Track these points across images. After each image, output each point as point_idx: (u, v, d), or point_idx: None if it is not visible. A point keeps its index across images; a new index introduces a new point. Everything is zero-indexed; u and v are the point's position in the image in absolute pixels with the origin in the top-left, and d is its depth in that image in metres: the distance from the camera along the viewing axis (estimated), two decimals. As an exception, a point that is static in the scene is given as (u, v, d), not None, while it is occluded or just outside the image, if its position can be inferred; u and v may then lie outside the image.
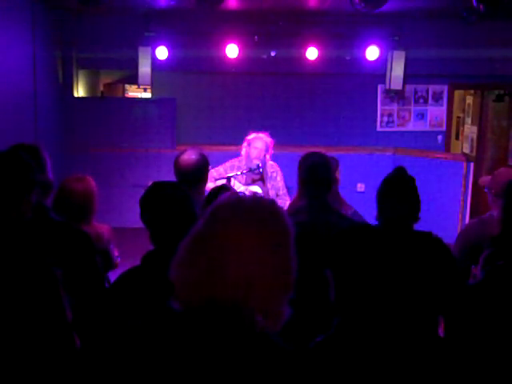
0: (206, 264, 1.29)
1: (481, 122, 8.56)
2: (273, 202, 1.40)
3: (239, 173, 4.61)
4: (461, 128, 9.36)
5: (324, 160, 3.09)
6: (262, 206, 1.36)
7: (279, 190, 4.77)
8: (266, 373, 1.26)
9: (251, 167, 4.64)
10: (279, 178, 4.80)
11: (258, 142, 4.68)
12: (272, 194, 4.75)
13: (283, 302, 1.33)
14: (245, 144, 4.76)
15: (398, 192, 2.49)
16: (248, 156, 4.70)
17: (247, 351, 1.26)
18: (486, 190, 3.39)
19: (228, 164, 4.83)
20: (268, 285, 1.29)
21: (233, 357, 1.25)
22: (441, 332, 2.58)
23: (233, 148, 5.27)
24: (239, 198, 1.37)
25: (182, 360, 1.27)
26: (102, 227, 3.43)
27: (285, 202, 4.50)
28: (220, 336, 1.26)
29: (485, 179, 3.55)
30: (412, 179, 2.53)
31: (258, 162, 4.63)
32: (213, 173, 4.62)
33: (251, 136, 4.76)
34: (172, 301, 1.33)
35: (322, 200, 3.03)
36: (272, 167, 4.81)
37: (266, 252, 1.30)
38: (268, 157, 4.77)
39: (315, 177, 3.02)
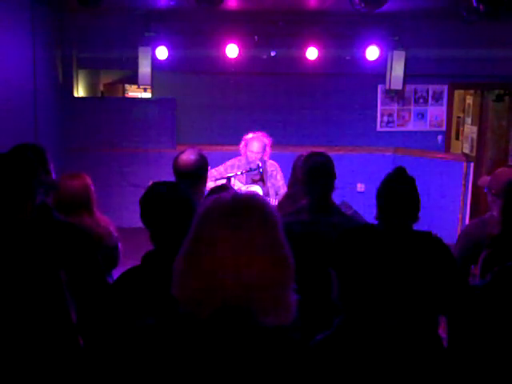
0: (202, 272, 1.28)
1: (481, 121, 8.56)
2: (255, 196, 1.38)
3: (239, 172, 4.61)
4: (461, 128, 9.36)
5: (326, 160, 3.11)
6: (246, 202, 1.34)
7: (279, 188, 4.77)
8: (285, 369, 1.25)
9: (251, 167, 4.64)
10: (279, 176, 4.80)
11: (255, 143, 4.68)
12: (272, 192, 4.75)
13: (288, 292, 1.32)
14: (242, 143, 4.76)
15: (398, 192, 2.49)
16: (246, 156, 4.70)
17: (266, 351, 1.24)
18: (485, 190, 3.39)
19: (229, 163, 4.83)
20: (270, 280, 1.28)
21: (253, 361, 1.23)
22: (442, 332, 2.58)
23: (233, 148, 5.27)
24: (224, 200, 1.35)
25: (199, 368, 1.25)
26: (108, 223, 3.44)
27: None
28: (235, 341, 1.25)
29: (484, 179, 3.55)
30: (412, 179, 2.53)
31: (258, 162, 4.64)
32: (213, 172, 4.62)
33: (249, 136, 4.76)
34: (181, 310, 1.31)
35: (324, 199, 3.04)
36: (272, 166, 4.80)
37: (259, 248, 1.29)
38: (266, 157, 4.77)
39: (317, 177, 3.03)
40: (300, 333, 1.35)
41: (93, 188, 3.38)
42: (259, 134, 4.75)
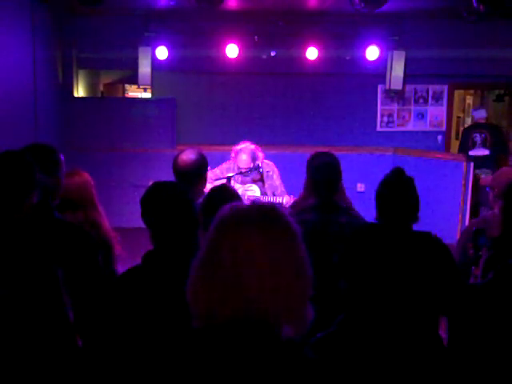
0: (221, 281, 1.25)
1: (481, 121, 8.55)
2: (273, 206, 1.36)
3: (240, 173, 4.62)
4: (461, 128, 9.37)
5: (332, 160, 3.12)
6: (263, 212, 1.32)
7: (276, 189, 4.77)
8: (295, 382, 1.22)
9: (251, 167, 4.64)
10: (275, 176, 4.80)
11: (242, 155, 4.67)
12: (269, 193, 4.76)
13: (305, 304, 1.30)
14: (232, 155, 4.76)
15: (397, 193, 2.49)
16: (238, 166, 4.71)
17: (279, 364, 1.22)
18: (487, 190, 3.39)
19: (224, 166, 4.84)
20: (286, 290, 1.26)
21: (266, 372, 1.21)
22: (442, 332, 2.58)
23: (232, 148, 5.27)
24: (240, 209, 1.33)
25: (212, 380, 1.23)
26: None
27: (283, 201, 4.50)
28: (250, 351, 1.22)
29: (486, 179, 3.54)
30: (410, 179, 2.53)
31: (258, 162, 4.64)
32: (209, 174, 4.61)
33: (237, 147, 4.74)
34: (193, 321, 1.29)
35: (330, 199, 3.05)
36: (268, 166, 4.80)
37: (277, 257, 1.27)
38: (261, 155, 4.76)
39: (324, 176, 3.05)
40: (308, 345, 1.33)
41: (92, 185, 3.37)
42: (245, 145, 4.71)
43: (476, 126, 7.45)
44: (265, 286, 1.24)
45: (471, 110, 7.71)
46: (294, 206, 3.85)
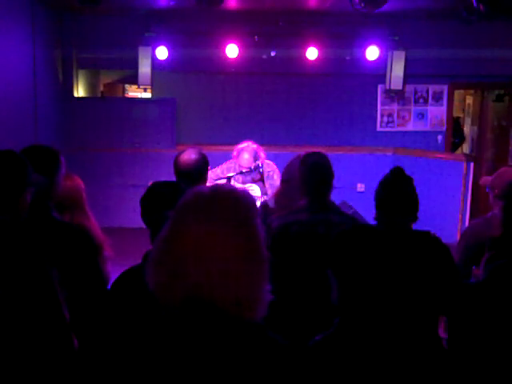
0: (172, 264, 1.28)
1: (481, 122, 8.57)
2: (234, 189, 1.37)
3: (240, 172, 4.62)
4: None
5: (324, 160, 3.11)
6: (222, 193, 1.34)
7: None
8: (252, 364, 1.25)
9: (251, 167, 4.64)
10: (276, 176, 4.80)
11: (244, 154, 4.68)
12: (270, 193, 4.76)
13: (258, 287, 1.30)
14: (234, 153, 4.77)
15: (396, 192, 2.49)
16: (240, 165, 4.72)
17: (230, 345, 1.25)
18: (487, 190, 3.37)
19: (225, 166, 4.85)
20: (234, 275, 1.27)
21: (214, 353, 1.24)
22: (441, 332, 2.58)
23: (233, 148, 5.28)
24: (202, 190, 1.35)
25: (166, 359, 1.27)
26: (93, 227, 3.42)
27: None
28: (201, 335, 1.26)
29: (486, 179, 3.52)
30: (410, 179, 2.53)
31: (258, 162, 4.65)
32: (210, 174, 4.61)
33: (239, 146, 4.75)
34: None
35: (322, 199, 3.05)
36: (269, 166, 4.81)
37: (226, 238, 1.28)
38: (263, 155, 4.76)
39: (316, 176, 3.04)
40: (284, 337, 1.33)
41: (83, 190, 3.36)
42: (247, 144, 4.72)
43: None
44: (210, 271, 1.25)
45: None
46: (279, 205, 3.80)
